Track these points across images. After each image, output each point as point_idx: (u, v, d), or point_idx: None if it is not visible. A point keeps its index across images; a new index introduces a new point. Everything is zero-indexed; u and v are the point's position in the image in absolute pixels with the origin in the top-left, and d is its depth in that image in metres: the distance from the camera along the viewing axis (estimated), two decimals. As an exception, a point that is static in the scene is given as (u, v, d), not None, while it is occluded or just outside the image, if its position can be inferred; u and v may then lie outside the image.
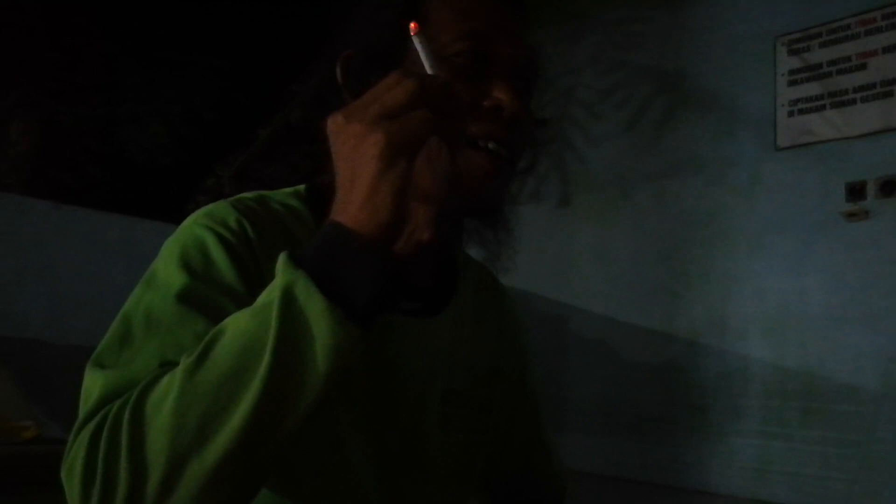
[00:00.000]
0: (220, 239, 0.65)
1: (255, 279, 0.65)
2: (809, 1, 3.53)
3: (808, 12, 3.52)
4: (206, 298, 0.62)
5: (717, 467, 3.49)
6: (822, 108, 3.42)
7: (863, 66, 3.34)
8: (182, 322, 0.60)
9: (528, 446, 0.92)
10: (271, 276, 0.55)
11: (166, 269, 0.64)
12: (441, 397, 0.78)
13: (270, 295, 0.53)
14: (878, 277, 3.15)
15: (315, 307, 0.51)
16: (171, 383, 0.53)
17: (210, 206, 0.70)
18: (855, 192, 3.25)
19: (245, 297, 0.62)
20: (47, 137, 6.24)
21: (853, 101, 3.34)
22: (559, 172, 4.33)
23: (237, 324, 0.53)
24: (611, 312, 4.02)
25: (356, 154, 0.53)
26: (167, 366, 0.57)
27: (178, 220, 0.76)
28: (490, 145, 0.69)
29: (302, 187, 0.78)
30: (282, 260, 0.54)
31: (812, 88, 3.47)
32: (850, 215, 3.23)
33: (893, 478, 3.00)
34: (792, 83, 3.53)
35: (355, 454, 0.70)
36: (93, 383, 0.58)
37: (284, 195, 0.76)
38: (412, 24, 0.58)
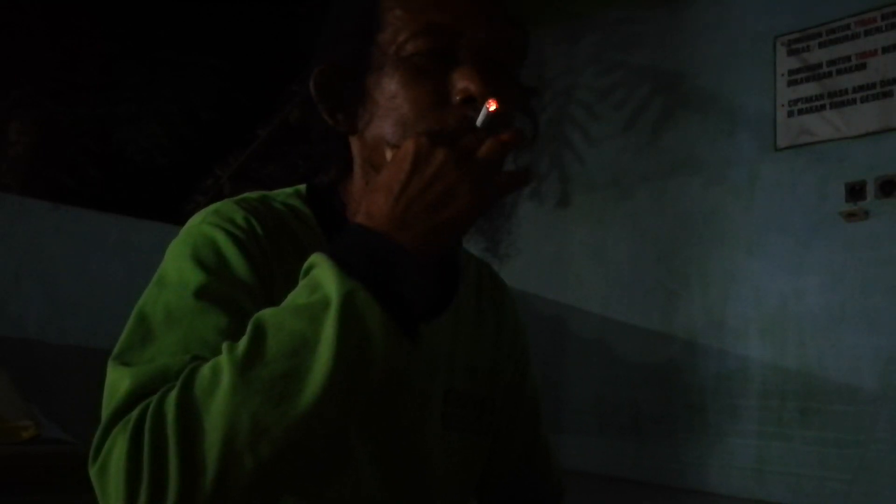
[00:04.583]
0: (231, 236, 0.66)
1: (266, 275, 0.66)
2: (809, 1, 3.53)
3: (808, 13, 3.52)
4: (223, 294, 0.63)
5: (716, 468, 3.49)
6: (822, 108, 3.42)
7: (862, 67, 3.34)
8: (203, 317, 0.61)
9: (527, 446, 0.92)
10: (281, 274, 0.56)
11: (179, 268, 0.65)
12: (442, 398, 0.79)
13: (314, 297, 0.54)
14: (877, 277, 3.15)
15: (375, 320, 0.53)
16: (216, 378, 0.53)
17: (215, 206, 0.71)
18: (854, 192, 3.25)
19: (260, 293, 0.64)
20: (46, 137, 6.24)
21: (852, 102, 3.34)
22: (558, 172, 4.33)
23: (280, 321, 0.54)
24: (609, 312, 4.02)
25: (445, 191, 0.57)
26: (197, 360, 0.57)
27: (176, 221, 0.76)
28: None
29: (302, 187, 0.78)
30: (328, 264, 0.55)
31: (811, 88, 3.47)
32: (850, 215, 3.23)
33: (892, 478, 3.00)
34: (791, 83, 3.53)
35: (359, 454, 0.70)
36: (118, 380, 0.57)
37: (286, 195, 0.76)
38: (490, 101, 0.62)
